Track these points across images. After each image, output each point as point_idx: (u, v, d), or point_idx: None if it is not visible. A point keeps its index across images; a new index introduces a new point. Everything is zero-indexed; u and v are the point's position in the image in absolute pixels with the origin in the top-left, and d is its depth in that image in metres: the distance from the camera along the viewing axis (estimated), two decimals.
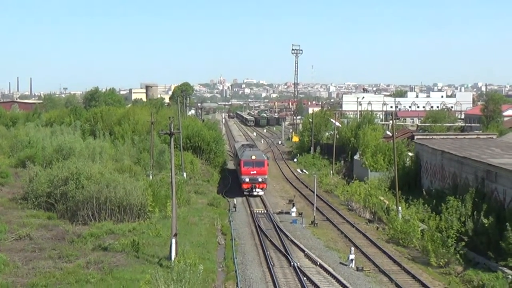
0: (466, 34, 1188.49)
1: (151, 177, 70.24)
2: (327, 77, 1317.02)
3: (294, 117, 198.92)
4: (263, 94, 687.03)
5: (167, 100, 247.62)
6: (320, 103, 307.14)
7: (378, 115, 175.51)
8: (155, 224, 52.08)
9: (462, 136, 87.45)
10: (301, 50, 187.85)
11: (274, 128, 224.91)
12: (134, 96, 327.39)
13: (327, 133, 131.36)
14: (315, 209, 63.18)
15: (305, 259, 47.16)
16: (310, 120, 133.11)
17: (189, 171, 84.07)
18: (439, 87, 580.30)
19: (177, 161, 76.34)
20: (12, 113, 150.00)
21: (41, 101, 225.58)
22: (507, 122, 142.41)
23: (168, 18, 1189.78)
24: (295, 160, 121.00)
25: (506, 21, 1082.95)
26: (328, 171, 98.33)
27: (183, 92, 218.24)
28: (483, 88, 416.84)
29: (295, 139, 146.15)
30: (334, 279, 41.65)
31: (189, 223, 56.36)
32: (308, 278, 41.29)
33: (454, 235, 46.04)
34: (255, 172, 76.65)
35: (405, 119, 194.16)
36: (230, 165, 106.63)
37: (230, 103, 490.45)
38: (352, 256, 45.31)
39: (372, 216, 64.49)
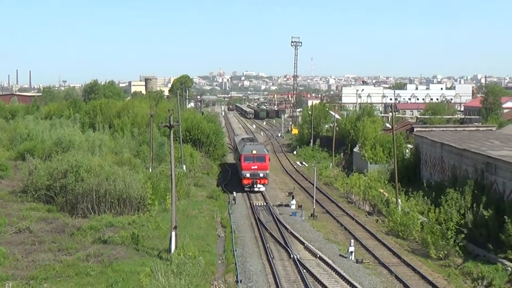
0: (466, 26, 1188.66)
1: (150, 169, 70.21)
2: (327, 70, 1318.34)
3: (294, 110, 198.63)
4: (263, 87, 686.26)
5: (166, 93, 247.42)
6: (319, 95, 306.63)
7: (377, 108, 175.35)
8: (154, 217, 52.13)
9: (462, 128, 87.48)
10: (301, 42, 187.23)
11: (274, 121, 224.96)
12: (133, 89, 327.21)
13: (326, 126, 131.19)
14: (314, 201, 63.20)
15: (305, 252, 47.20)
16: (310, 112, 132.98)
17: (189, 163, 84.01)
18: (439, 79, 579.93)
19: (176, 153, 76.23)
20: (11, 106, 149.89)
21: (40, 94, 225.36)
22: (506, 114, 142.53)
23: (167, 11, 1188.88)
24: (295, 152, 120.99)
25: (505, 13, 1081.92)
26: (328, 164, 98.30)
27: (182, 85, 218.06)
28: (483, 80, 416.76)
29: (295, 131, 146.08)
30: (334, 271, 41.69)
31: (189, 215, 56.38)
32: (308, 271, 41.33)
33: (453, 227, 46.06)
34: (256, 167, 74.15)
35: (405, 111, 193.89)
36: (230, 157, 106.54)
37: (229, 95, 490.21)
38: (351, 249, 45.34)
39: (372, 209, 64.51)
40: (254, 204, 66.61)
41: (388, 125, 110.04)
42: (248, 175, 74.24)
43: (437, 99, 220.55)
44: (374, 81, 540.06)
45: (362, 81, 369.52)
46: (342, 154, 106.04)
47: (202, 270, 37.29)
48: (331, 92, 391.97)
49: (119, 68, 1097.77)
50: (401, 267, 43.13)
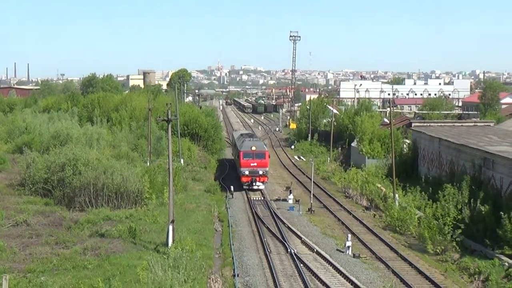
0: (464, 21, 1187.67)
1: (148, 163, 70.20)
2: (325, 64, 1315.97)
3: (292, 104, 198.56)
4: (261, 81, 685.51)
5: (164, 87, 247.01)
6: (317, 90, 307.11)
7: (375, 102, 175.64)
8: (152, 210, 52.17)
9: (460, 124, 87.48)
10: (299, 36, 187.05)
11: (272, 115, 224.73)
12: (131, 83, 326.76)
13: (324, 120, 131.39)
14: (312, 196, 63.23)
15: (302, 246, 47.28)
16: (308, 107, 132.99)
17: (187, 157, 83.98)
18: (437, 75, 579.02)
19: (174, 147, 76.14)
20: (9, 99, 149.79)
21: (38, 87, 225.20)
22: (504, 109, 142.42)
23: (165, 4, 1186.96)
24: (293, 147, 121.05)
25: (504, 8, 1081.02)
26: (326, 158, 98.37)
27: (180, 79, 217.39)
28: (481, 76, 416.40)
29: (293, 126, 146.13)
30: (330, 265, 41.77)
31: (186, 209, 56.42)
32: (305, 265, 41.39)
33: (450, 223, 46.05)
34: (255, 164, 71.07)
35: (403, 107, 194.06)
36: (227, 152, 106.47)
37: (227, 89, 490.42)
38: (349, 243, 45.39)
39: (369, 203, 64.56)
40: (252, 198, 66.61)
41: (386, 120, 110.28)
42: (247, 172, 71.32)
43: (435, 94, 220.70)
44: (372, 76, 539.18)
45: (361, 76, 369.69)
46: (340, 148, 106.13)
47: (199, 264, 37.29)
48: (329, 87, 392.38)
49: (117, 62, 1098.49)
50: (398, 262, 43.19)
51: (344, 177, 74.66)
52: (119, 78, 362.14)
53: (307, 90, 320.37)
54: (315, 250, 45.44)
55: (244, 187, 71.47)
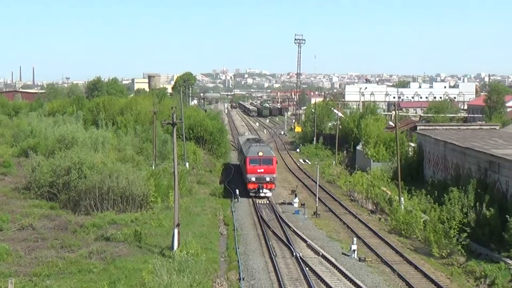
0: (469, 24, 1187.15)
1: (153, 167, 70.20)
2: (330, 67, 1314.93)
3: (297, 108, 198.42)
4: (266, 84, 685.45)
5: (169, 90, 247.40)
6: (322, 93, 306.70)
7: (380, 106, 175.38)
8: (157, 214, 52.17)
9: (465, 127, 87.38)
10: (304, 40, 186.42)
11: (277, 118, 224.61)
12: (136, 86, 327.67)
13: (329, 124, 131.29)
14: (317, 199, 63.19)
15: (308, 250, 47.23)
16: (313, 110, 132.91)
17: (192, 161, 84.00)
18: (442, 78, 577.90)
19: (179, 151, 76.24)
20: (15, 103, 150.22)
21: (44, 91, 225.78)
22: (510, 112, 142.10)
23: (170, 8, 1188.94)
24: (298, 150, 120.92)
25: (509, 11, 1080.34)
26: (331, 162, 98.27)
27: (185, 82, 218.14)
28: (486, 79, 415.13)
29: (298, 129, 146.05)
30: (336, 269, 41.73)
31: (192, 213, 56.40)
32: (310, 268, 41.36)
33: (456, 226, 45.98)
34: (262, 170, 68.12)
35: (408, 110, 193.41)
36: (233, 155, 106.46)
37: (232, 93, 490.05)
38: (354, 247, 45.33)
39: (375, 207, 64.49)
40: (257, 202, 66.44)
41: (391, 123, 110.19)
42: (253, 179, 68.32)
43: (441, 97, 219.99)
44: (377, 79, 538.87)
45: (366, 79, 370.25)
46: (345, 152, 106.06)
47: (205, 268, 37.32)
48: (335, 90, 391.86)
49: (122, 66, 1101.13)
50: (404, 266, 43.13)
51: (350, 180, 74.58)
52: (124, 82, 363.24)
53: (312, 93, 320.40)
54: (321, 253, 45.40)
55: (251, 194, 68.61)
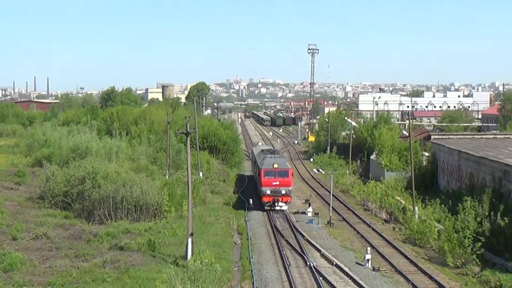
0: (483, 33, 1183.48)
1: (167, 176, 70.36)
2: (344, 77, 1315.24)
3: (311, 117, 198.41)
4: (279, 94, 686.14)
5: (183, 100, 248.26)
6: (336, 102, 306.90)
7: (394, 115, 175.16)
8: (171, 223, 52.25)
9: (479, 136, 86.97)
10: (317, 49, 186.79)
11: (290, 128, 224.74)
12: (150, 96, 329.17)
13: (343, 133, 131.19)
14: (331, 209, 63.05)
15: (321, 259, 47.08)
16: (326, 119, 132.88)
17: (205, 170, 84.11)
18: (456, 87, 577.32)
19: (193, 160, 76.31)
20: (29, 113, 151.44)
21: (58, 101, 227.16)
22: None
23: (184, 18, 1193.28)
24: (311, 159, 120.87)
25: None
26: (345, 171, 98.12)
27: (199, 92, 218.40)
28: (501, 88, 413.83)
29: (311, 138, 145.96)
30: (350, 279, 41.54)
31: (205, 222, 56.45)
32: (324, 278, 41.20)
33: (470, 236, 45.73)
34: (277, 183, 65.39)
35: (422, 119, 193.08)
36: (247, 164, 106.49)
37: (246, 102, 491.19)
38: (368, 256, 45.14)
39: (389, 216, 64.26)
40: (271, 211, 66.31)
41: (405, 132, 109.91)
42: (268, 192, 65.55)
43: (455, 106, 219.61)
44: (391, 88, 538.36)
45: (379, 89, 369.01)
46: (358, 161, 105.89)
47: (219, 277, 37.26)
48: (348, 99, 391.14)
49: (136, 75, 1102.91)
50: (418, 275, 42.90)
51: (363, 190, 74.44)
52: (138, 92, 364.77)
53: (325, 102, 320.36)
54: (335, 263, 45.24)
55: (266, 207, 66.12)
